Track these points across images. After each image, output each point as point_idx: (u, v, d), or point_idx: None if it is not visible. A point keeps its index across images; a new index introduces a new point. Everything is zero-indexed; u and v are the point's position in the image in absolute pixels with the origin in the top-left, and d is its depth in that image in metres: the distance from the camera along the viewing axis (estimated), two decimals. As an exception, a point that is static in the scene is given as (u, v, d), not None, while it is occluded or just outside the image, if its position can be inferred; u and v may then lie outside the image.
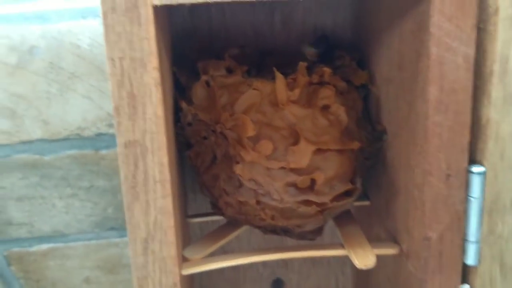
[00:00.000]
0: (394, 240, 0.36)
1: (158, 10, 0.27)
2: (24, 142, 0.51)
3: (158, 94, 0.27)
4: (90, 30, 0.46)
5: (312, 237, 0.36)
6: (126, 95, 0.27)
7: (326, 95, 0.34)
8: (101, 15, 0.26)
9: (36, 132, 0.51)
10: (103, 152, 0.52)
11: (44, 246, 0.56)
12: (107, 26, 0.26)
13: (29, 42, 0.46)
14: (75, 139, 0.51)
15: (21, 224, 0.55)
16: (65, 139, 0.51)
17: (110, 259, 0.58)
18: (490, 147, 0.30)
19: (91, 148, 0.52)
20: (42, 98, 0.49)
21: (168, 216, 0.29)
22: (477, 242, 0.31)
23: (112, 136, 0.52)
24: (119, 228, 0.56)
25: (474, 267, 0.32)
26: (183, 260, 0.34)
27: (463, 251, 0.31)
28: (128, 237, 0.29)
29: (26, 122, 0.50)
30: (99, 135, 0.51)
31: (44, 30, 0.46)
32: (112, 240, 0.57)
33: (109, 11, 0.26)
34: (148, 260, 0.30)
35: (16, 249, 0.56)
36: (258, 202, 0.33)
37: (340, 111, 0.34)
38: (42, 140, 0.51)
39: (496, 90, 0.29)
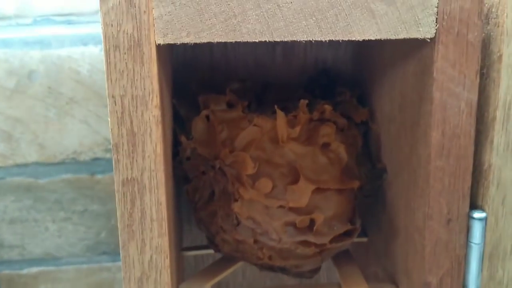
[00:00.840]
0: (392, 281, 0.35)
1: (161, 49, 0.27)
2: (19, 165, 0.51)
3: (158, 132, 0.27)
4: (90, 57, 0.46)
5: (309, 275, 0.36)
6: (125, 132, 0.27)
7: (327, 132, 0.34)
8: (103, 52, 0.26)
9: (31, 155, 0.50)
10: (99, 176, 0.52)
11: (35, 269, 0.56)
12: (109, 63, 0.26)
13: (29, 67, 0.46)
14: (71, 163, 0.51)
15: (13, 246, 0.54)
16: (61, 163, 0.51)
17: (102, 284, 0.57)
18: (492, 193, 0.30)
19: (87, 173, 0.52)
20: (39, 122, 0.49)
21: (163, 256, 0.28)
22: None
23: (108, 161, 0.51)
24: (112, 252, 0.56)
25: (474, 313, 0.32)
26: (178, 297, 0.33)
27: (463, 296, 0.31)
28: (122, 275, 0.29)
29: (22, 145, 0.50)
30: (95, 159, 0.51)
31: (44, 55, 0.46)
32: (104, 264, 0.56)
33: (111, 49, 0.26)
34: (142, 301, 0.29)
35: (6, 271, 0.55)
36: (255, 241, 0.32)
37: (340, 149, 0.34)
38: (37, 164, 0.51)
39: (498, 136, 0.29)
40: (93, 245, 0.55)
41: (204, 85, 0.38)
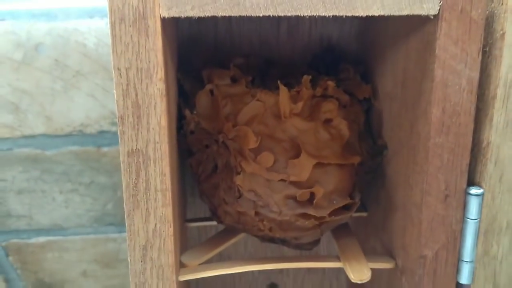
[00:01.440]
0: (389, 254, 0.36)
1: (166, 22, 0.27)
2: (26, 137, 0.51)
3: (162, 105, 0.27)
4: (96, 30, 0.46)
5: (309, 247, 0.37)
6: (131, 104, 0.27)
7: (329, 108, 0.34)
8: (108, 25, 0.26)
9: (39, 127, 0.51)
10: (105, 149, 0.53)
11: (43, 239, 0.57)
12: (114, 36, 0.26)
13: (35, 39, 0.46)
14: (78, 136, 0.52)
15: (21, 216, 0.55)
16: (68, 135, 0.52)
17: (107, 254, 0.59)
18: (490, 170, 0.30)
19: (93, 145, 0.52)
20: (46, 95, 0.49)
21: (167, 225, 0.29)
22: (472, 262, 0.31)
23: (114, 134, 0.52)
24: (118, 224, 0.57)
25: (468, 286, 0.32)
26: (181, 265, 0.34)
27: (457, 270, 0.32)
28: (127, 243, 0.30)
29: (29, 117, 0.50)
30: (102, 132, 0.52)
31: (51, 28, 0.46)
32: (110, 235, 0.57)
33: (117, 21, 0.26)
34: (146, 267, 0.30)
35: (14, 240, 0.57)
36: (256, 213, 0.33)
37: (342, 125, 0.34)
38: (44, 136, 0.51)
39: (498, 114, 0.29)
40: (99, 216, 0.56)
41: (209, 61, 0.38)
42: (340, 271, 0.51)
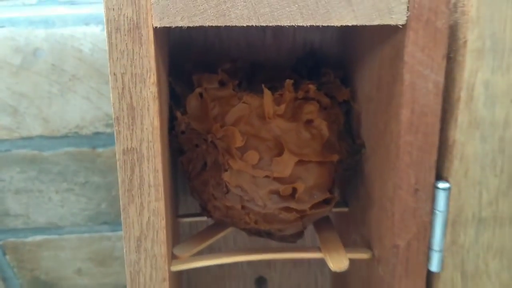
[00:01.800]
0: (368, 246, 0.39)
1: (158, 31, 0.29)
2: (24, 138, 0.53)
3: (155, 106, 0.30)
4: (91, 36, 0.48)
5: (292, 240, 0.39)
6: (126, 107, 0.30)
7: (310, 110, 0.37)
8: (105, 34, 0.28)
9: (36, 129, 0.53)
10: (100, 150, 0.54)
11: (39, 237, 0.58)
12: (111, 44, 0.28)
13: (34, 45, 0.48)
14: (73, 137, 0.53)
15: (18, 215, 0.57)
16: (64, 136, 0.53)
17: (102, 252, 0.60)
18: (455, 166, 0.33)
19: (88, 146, 0.54)
20: (44, 98, 0.51)
21: (160, 218, 0.31)
22: (441, 251, 0.34)
23: (109, 135, 0.54)
24: (112, 222, 0.58)
25: (437, 274, 0.35)
26: (173, 257, 0.36)
27: (427, 258, 0.34)
28: (123, 235, 0.32)
29: (27, 119, 0.52)
30: (97, 134, 0.53)
31: (48, 34, 0.48)
32: (104, 233, 0.59)
33: (113, 31, 0.28)
34: (141, 257, 0.32)
35: (11, 239, 0.58)
36: (243, 207, 0.35)
37: (322, 126, 0.37)
38: (41, 137, 0.53)
39: (462, 115, 0.32)
40: (94, 215, 0.58)
41: (198, 65, 0.41)
42: (324, 265, 0.54)
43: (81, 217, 0.58)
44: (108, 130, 0.54)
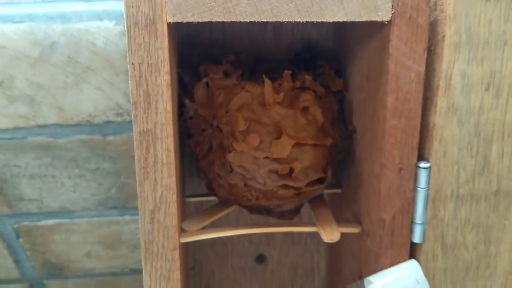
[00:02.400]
0: (358, 221, 0.43)
1: (171, 26, 0.33)
2: (39, 126, 0.56)
3: (168, 93, 0.34)
4: (105, 30, 0.52)
5: (290, 216, 0.43)
6: (142, 93, 0.33)
7: (306, 98, 0.40)
8: (125, 28, 0.32)
9: (51, 117, 0.55)
10: (110, 138, 0.57)
11: (51, 221, 0.61)
12: (130, 37, 0.32)
13: (51, 39, 0.52)
14: (86, 125, 0.56)
15: (32, 200, 0.59)
16: (77, 124, 0.56)
17: (110, 236, 0.63)
18: (435, 147, 0.36)
19: (100, 134, 0.57)
20: (59, 88, 0.54)
21: (172, 192, 0.35)
22: (423, 224, 0.38)
23: (119, 124, 0.57)
24: (121, 207, 0.61)
25: (420, 245, 0.39)
26: (182, 231, 0.40)
27: (411, 231, 0.38)
28: (138, 207, 0.36)
29: (43, 108, 0.55)
30: (108, 122, 0.56)
31: (65, 29, 0.51)
32: (113, 218, 0.62)
33: (132, 25, 0.32)
34: (154, 228, 0.36)
35: (25, 223, 0.61)
36: (245, 185, 0.39)
37: (317, 113, 0.40)
38: (56, 125, 0.56)
39: (441, 101, 0.36)
40: (104, 200, 0.61)
41: (204, 57, 0.45)
42: (320, 243, 0.58)
43: (92, 202, 0.60)
44: (119, 119, 0.56)
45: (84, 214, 0.61)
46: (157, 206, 0.36)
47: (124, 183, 0.60)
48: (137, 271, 0.66)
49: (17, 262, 0.64)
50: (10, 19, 0.51)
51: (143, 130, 0.34)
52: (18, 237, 0.62)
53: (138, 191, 0.36)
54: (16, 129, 0.56)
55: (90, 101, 0.55)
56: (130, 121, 0.57)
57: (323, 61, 0.45)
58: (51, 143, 0.57)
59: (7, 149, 0.57)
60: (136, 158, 0.35)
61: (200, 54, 0.45)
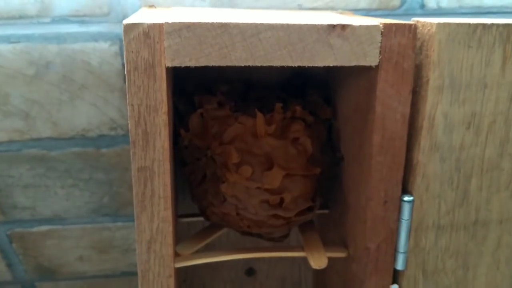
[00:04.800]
0: (344, 245, 0.45)
1: (169, 69, 0.35)
2: (34, 140, 0.57)
3: (165, 132, 0.35)
4: (100, 51, 0.53)
5: (279, 240, 0.45)
6: (141, 132, 0.35)
7: (297, 129, 0.42)
8: (125, 72, 0.33)
9: (45, 131, 0.56)
10: (104, 150, 0.58)
11: (44, 228, 0.62)
12: (130, 80, 0.34)
13: (46, 59, 0.52)
14: (80, 139, 0.57)
15: (25, 208, 0.61)
16: (71, 138, 0.57)
17: (102, 241, 0.64)
18: (418, 182, 0.39)
19: (93, 147, 0.58)
20: (54, 104, 0.55)
21: (168, 224, 0.37)
22: (405, 252, 0.40)
23: (113, 138, 0.58)
24: (112, 214, 0.63)
25: (402, 272, 0.41)
26: (176, 255, 0.42)
27: (394, 259, 0.40)
28: (135, 239, 0.38)
29: (37, 123, 0.56)
30: (101, 136, 0.57)
31: (60, 49, 0.52)
32: (105, 224, 0.63)
33: (132, 69, 0.33)
34: (150, 257, 0.38)
35: (18, 229, 0.62)
36: (238, 214, 0.41)
37: (307, 143, 0.42)
38: (50, 139, 0.57)
39: (424, 140, 0.37)
40: (96, 208, 0.62)
41: (198, 85, 0.46)
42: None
43: (85, 210, 0.62)
44: (112, 133, 0.58)
45: (77, 221, 0.63)
46: (154, 237, 0.37)
47: (117, 192, 0.62)
48: (128, 274, 0.67)
49: (9, 265, 0.65)
50: (7, 39, 0.51)
51: (141, 166, 0.36)
52: (11, 242, 0.63)
53: (135, 223, 0.37)
54: (11, 142, 0.57)
55: (84, 116, 0.56)
56: (124, 135, 0.58)
57: (313, 89, 0.47)
58: (45, 155, 0.58)
59: (2, 160, 0.58)
60: (134, 192, 0.36)
61: (194, 82, 0.46)
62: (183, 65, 0.34)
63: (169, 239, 0.37)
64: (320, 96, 0.46)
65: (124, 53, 0.33)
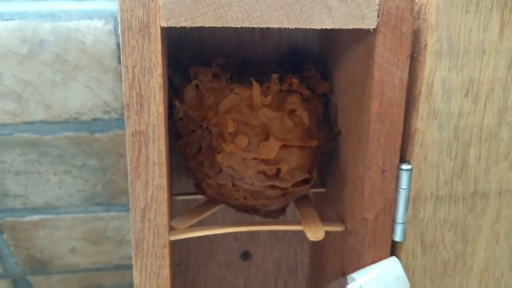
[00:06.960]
0: (341, 220, 0.44)
1: (164, 30, 0.34)
2: (26, 123, 0.56)
3: (160, 95, 0.34)
4: (94, 29, 0.52)
5: (276, 215, 0.44)
6: (135, 95, 0.34)
7: (293, 101, 0.42)
8: (119, 32, 0.33)
9: (38, 114, 0.55)
10: (97, 135, 0.57)
11: (36, 217, 0.61)
12: (124, 40, 0.33)
13: (40, 36, 0.52)
14: (73, 123, 0.56)
15: (17, 196, 0.60)
16: (64, 122, 0.56)
17: (95, 232, 0.63)
18: (416, 150, 0.38)
19: (87, 131, 0.57)
20: (47, 85, 0.54)
21: (162, 192, 0.36)
22: (403, 223, 0.39)
23: (107, 122, 0.57)
24: (106, 203, 0.62)
25: (400, 243, 0.40)
26: (170, 228, 0.41)
27: (392, 230, 0.40)
28: (130, 207, 0.37)
29: (30, 105, 0.55)
30: (95, 120, 0.56)
31: (54, 27, 0.51)
32: (98, 214, 0.62)
33: (126, 29, 0.33)
34: (145, 226, 0.37)
35: (9, 219, 0.61)
36: (234, 185, 0.40)
37: (303, 115, 0.42)
38: (43, 122, 0.56)
39: (422, 106, 0.37)
40: (89, 196, 0.61)
41: (194, 59, 0.45)
42: (303, 240, 0.59)
43: (77, 198, 0.61)
44: (106, 116, 0.57)
45: (69, 210, 0.62)
46: (148, 205, 0.37)
47: (110, 180, 0.61)
48: (121, 267, 0.66)
49: (0, 257, 0.64)
50: (0, 17, 0.51)
51: (135, 131, 0.35)
52: (1, 232, 0.62)
53: (129, 190, 0.36)
54: (2, 125, 0.56)
55: (78, 98, 0.56)
56: (118, 119, 0.57)
57: (309, 64, 0.47)
58: (37, 140, 0.57)
59: (-7, 145, 0.56)
60: (128, 158, 0.36)
61: (189, 56, 0.46)
62: (178, 25, 0.33)
63: (164, 207, 0.37)
64: (317, 72, 0.46)
65: (119, 12, 0.33)
